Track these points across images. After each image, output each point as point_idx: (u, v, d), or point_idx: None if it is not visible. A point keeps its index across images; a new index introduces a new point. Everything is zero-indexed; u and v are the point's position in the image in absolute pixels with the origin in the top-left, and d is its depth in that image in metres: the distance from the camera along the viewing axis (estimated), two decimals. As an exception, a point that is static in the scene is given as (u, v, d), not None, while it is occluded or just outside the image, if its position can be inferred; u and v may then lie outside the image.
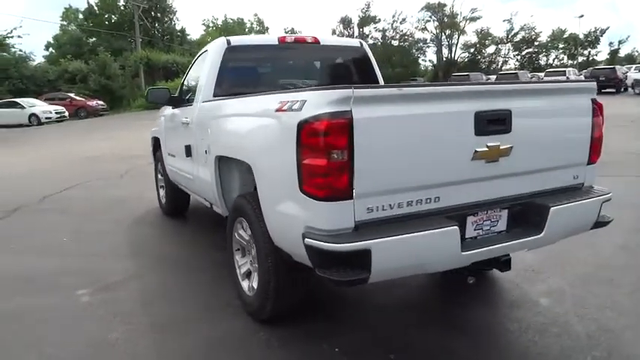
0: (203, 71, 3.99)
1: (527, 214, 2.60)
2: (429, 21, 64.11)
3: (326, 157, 2.06)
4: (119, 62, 34.06)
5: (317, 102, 2.12)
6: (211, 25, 61.85)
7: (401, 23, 63.69)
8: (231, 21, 63.22)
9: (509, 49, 65.24)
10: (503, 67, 61.35)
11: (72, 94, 28.76)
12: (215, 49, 3.97)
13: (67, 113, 26.13)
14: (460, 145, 2.33)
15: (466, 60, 64.39)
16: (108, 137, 16.30)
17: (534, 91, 2.63)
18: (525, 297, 3.32)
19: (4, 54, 30.57)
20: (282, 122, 2.35)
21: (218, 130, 3.33)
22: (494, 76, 34.63)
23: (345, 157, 2.07)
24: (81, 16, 46.32)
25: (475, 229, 2.50)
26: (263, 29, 65.44)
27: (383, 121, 2.14)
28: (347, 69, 4.57)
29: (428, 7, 62.46)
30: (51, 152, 13.29)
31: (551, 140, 2.64)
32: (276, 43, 4.15)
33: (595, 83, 2.85)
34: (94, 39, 42.24)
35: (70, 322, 3.18)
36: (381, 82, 4.54)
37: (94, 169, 9.60)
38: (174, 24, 47.18)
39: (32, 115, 24.45)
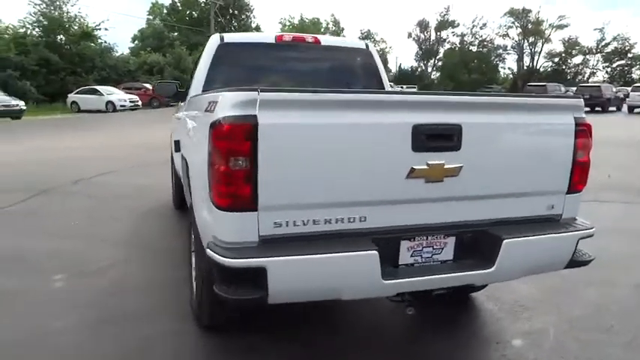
0: (198, 67, 3.95)
1: (479, 245, 2.29)
2: (511, 27, 61.61)
3: (228, 164, 1.90)
4: (194, 56, 35.52)
5: (225, 104, 1.96)
6: (287, 23, 62.96)
7: (481, 28, 61.86)
8: (307, 20, 64.00)
9: (598, 60, 60.97)
10: (590, 80, 57.31)
11: (147, 85, 30.33)
12: (209, 46, 3.92)
13: (140, 102, 27.68)
14: (392, 161, 2.08)
15: (549, 70, 60.98)
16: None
17: (495, 106, 2.31)
18: (499, 335, 2.96)
19: (92, 44, 32.85)
20: (203, 123, 2.23)
21: (184, 126, 3.26)
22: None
23: (248, 165, 1.90)
24: (165, 11, 48.80)
25: (412, 256, 2.24)
26: (338, 30, 65.67)
27: (294, 129, 1.95)
28: (349, 72, 4.35)
29: (511, 13, 59.92)
30: (115, 137, 14.13)
31: (516, 163, 2.31)
32: (273, 41, 4.02)
33: (582, 100, 2.46)
34: (175, 33, 44.35)
35: (30, 307, 3.24)
36: (385, 84, 4.29)
37: (144, 155, 10.01)
38: (251, 21, 48.45)
39: (109, 102, 26.16)
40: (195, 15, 46.73)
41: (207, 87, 3.77)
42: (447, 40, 63.93)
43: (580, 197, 2.52)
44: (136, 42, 46.60)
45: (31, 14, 30.98)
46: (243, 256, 1.90)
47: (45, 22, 31.05)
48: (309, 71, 4.28)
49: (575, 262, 2.43)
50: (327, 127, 1.99)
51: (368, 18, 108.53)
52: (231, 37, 3.98)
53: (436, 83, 63.17)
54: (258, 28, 48.25)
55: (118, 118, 22.01)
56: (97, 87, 27.46)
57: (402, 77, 61.41)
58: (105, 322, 3.02)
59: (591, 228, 2.44)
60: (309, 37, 4.14)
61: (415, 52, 69.69)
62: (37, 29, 31.51)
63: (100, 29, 32.34)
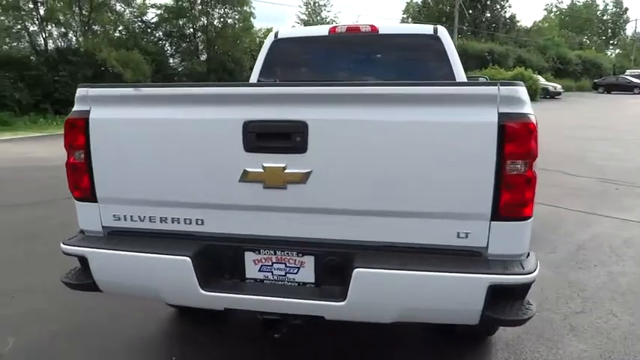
0: (255, 63, 4.10)
1: (343, 271, 1.84)
2: None
3: (72, 156, 2.04)
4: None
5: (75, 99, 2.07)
6: (554, 9, 56.50)
7: None
8: (579, 3, 56.18)
9: None
10: None
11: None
12: (265, 42, 4.03)
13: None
14: (223, 162, 1.86)
15: None
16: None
17: (362, 98, 1.78)
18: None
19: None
20: None
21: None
22: None
23: (83, 158, 2.00)
24: (417, 8, 49.78)
25: (261, 271, 1.96)
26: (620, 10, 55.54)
27: (122, 124, 1.95)
28: (412, 61, 3.82)
29: None
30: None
31: (398, 172, 1.76)
32: (326, 34, 3.86)
33: (517, 88, 1.69)
34: (423, 30, 44.86)
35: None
36: (458, 76, 3.62)
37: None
38: (505, 11, 45.25)
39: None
40: (447, 9, 46.25)
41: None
42: None
43: (525, 227, 1.76)
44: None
45: (297, 23, 35.89)
46: (70, 243, 2.01)
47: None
48: (365, 63, 3.95)
49: (493, 318, 1.72)
50: (155, 122, 1.92)
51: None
52: (285, 33, 3.99)
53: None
54: (512, 18, 44.85)
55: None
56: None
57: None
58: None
59: (526, 274, 1.68)
60: (364, 27, 3.81)
61: None
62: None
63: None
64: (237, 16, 31.79)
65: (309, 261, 1.91)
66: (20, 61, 25.30)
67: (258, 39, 32.44)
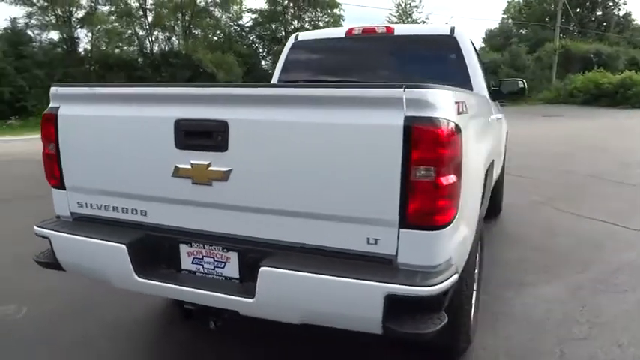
0: (277, 65, 4.22)
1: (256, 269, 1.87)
2: None
3: (47, 148, 2.29)
4: (539, 53, 33.25)
5: None
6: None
7: None
8: None
9: None
10: None
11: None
12: (286, 44, 4.12)
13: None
14: (158, 158, 1.99)
15: None
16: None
17: (281, 99, 1.80)
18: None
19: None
20: None
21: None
22: None
23: (54, 150, 2.24)
24: (518, 8, 47.11)
25: (193, 263, 2.06)
26: None
27: (83, 120, 2.16)
28: (427, 63, 3.68)
29: None
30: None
31: (311, 173, 1.77)
32: (343, 36, 3.87)
33: (425, 90, 1.61)
34: (523, 30, 42.43)
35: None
36: (474, 77, 3.46)
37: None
38: (619, 9, 41.32)
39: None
40: (552, 8, 43.27)
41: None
42: None
43: (438, 236, 1.67)
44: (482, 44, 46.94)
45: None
46: (40, 225, 2.25)
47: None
48: (381, 64, 3.87)
49: (392, 329, 1.65)
50: (105, 119, 2.10)
51: None
52: (304, 35, 4.06)
53: None
54: (627, 16, 40.79)
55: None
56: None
57: None
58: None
59: (425, 286, 1.61)
60: (380, 28, 3.75)
61: None
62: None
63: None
64: (327, 19, 32.34)
65: (233, 257, 1.97)
66: (129, 63, 27.76)
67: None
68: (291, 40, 4.10)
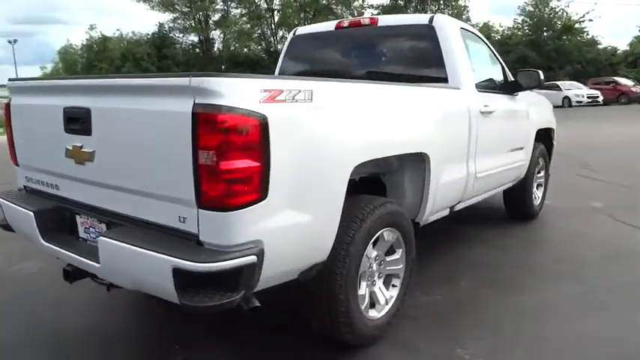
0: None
1: None
2: None
3: (7, 132, 2.78)
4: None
5: None
6: None
7: None
8: None
9: None
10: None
11: (617, 79, 26.89)
12: (287, 39, 4.27)
13: (600, 98, 25.17)
14: (57, 140, 2.32)
15: None
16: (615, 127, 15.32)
17: (115, 88, 2.03)
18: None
19: (575, 38, 31.88)
20: None
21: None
22: None
23: (9, 133, 2.72)
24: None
25: (85, 232, 2.37)
26: None
27: (20, 108, 2.61)
28: (406, 53, 3.55)
29: None
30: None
31: (138, 156, 1.96)
32: (333, 29, 3.90)
33: (213, 80, 1.69)
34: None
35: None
36: (450, 67, 3.27)
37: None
38: None
39: (565, 97, 25.16)
40: None
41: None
42: None
43: (230, 218, 1.75)
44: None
45: (516, 21, 33.11)
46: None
47: (530, 22, 32.55)
48: (366, 55, 3.82)
49: (183, 302, 1.76)
50: (29, 107, 2.54)
51: None
52: (302, 30, 4.14)
53: None
54: None
55: (570, 114, 20.72)
56: (559, 82, 26.81)
57: None
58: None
59: (203, 262, 1.70)
60: (365, 20, 3.70)
61: None
62: (524, 29, 33.45)
63: (583, 21, 30.89)
64: (450, 12, 31.20)
65: (104, 227, 2.23)
66: (255, 61, 29.77)
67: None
68: (290, 35, 4.23)
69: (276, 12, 31.71)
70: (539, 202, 4.99)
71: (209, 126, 1.69)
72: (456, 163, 3.17)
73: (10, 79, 2.69)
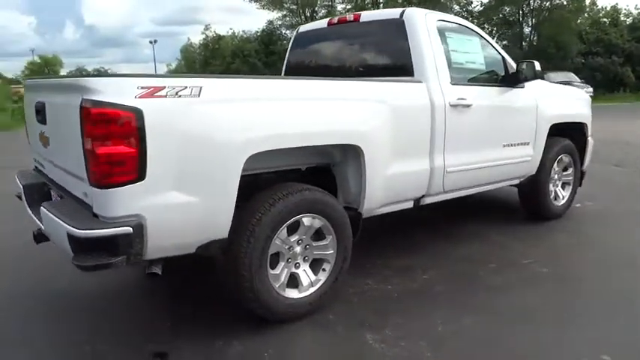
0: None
1: None
2: None
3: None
4: None
5: None
6: None
7: None
8: None
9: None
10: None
11: None
12: (292, 37, 4.52)
13: None
14: (37, 128, 2.86)
15: None
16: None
17: (56, 86, 2.52)
18: None
19: None
20: None
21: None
22: None
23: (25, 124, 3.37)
24: None
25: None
26: None
27: (27, 102, 3.20)
28: (380, 49, 3.59)
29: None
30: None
31: (65, 140, 2.40)
32: (326, 26, 4.07)
33: (95, 80, 2.06)
34: None
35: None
36: (417, 61, 3.29)
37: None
38: None
39: None
40: None
41: (286, 72, 4.48)
42: None
43: (110, 194, 2.09)
44: None
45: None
46: (17, 174, 3.40)
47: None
48: (351, 51, 3.88)
49: (75, 263, 2.15)
50: (28, 101, 3.11)
51: None
52: (304, 28, 4.33)
53: None
54: None
55: None
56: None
57: None
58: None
59: (80, 229, 2.08)
60: (349, 16, 3.80)
61: None
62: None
63: None
64: (565, 3, 28.59)
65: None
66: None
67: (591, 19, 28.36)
68: (294, 33, 4.47)
69: (381, 6, 31.64)
70: (564, 201, 4.66)
71: (90, 117, 2.05)
72: (411, 157, 3.19)
73: (28, 78, 3.33)
